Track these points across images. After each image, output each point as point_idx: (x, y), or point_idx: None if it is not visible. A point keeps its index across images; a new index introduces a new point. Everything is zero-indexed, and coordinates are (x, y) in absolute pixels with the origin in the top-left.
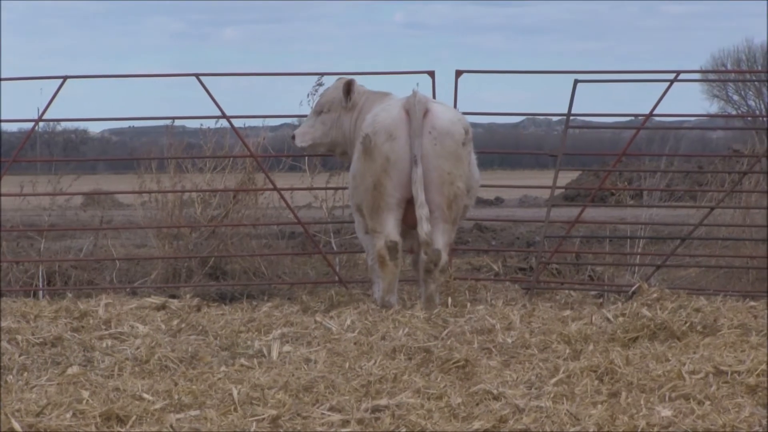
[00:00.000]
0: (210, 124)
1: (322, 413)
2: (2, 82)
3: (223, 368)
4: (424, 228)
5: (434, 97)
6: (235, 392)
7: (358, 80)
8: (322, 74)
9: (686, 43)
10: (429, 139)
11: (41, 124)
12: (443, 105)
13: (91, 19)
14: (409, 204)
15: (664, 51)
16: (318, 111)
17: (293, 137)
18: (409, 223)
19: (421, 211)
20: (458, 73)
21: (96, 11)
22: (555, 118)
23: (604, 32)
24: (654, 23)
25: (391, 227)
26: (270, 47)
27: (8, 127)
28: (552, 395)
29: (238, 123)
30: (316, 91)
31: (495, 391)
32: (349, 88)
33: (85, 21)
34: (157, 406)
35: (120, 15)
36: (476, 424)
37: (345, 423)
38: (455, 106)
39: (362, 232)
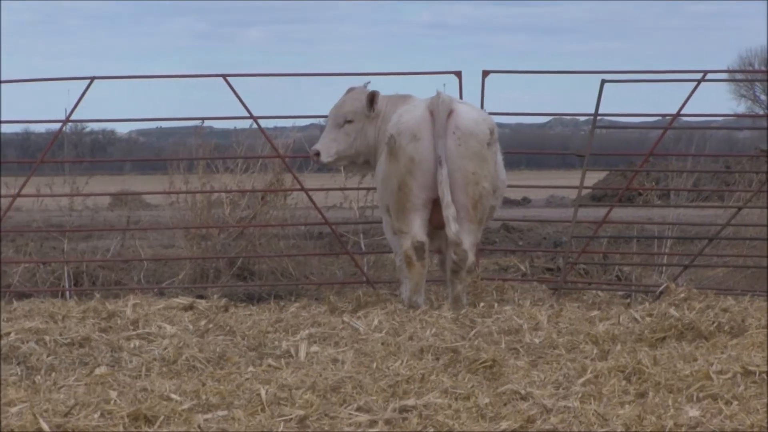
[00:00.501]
0: (240, 124)
1: (350, 413)
2: (30, 83)
3: (250, 368)
4: (452, 228)
5: (461, 97)
6: (262, 392)
7: (387, 81)
8: (348, 75)
9: (712, 42)
10: (453, 140)
11: (69, 125)
12: (468, 105)
13: (116, 20)
14: (435, 204)
15: (690, 51)
16: (339, 123)
17: (317, 154)
18: (435, 224)
19: (448, 212)
20: (485, 74)
21: (121, 12)
22: (582, 118)
23: (628, 32)
24: (679, 23)
25: (417, 228)
26: (295, 47)
27: (36, 128)
28: (579, 395)
29: (266, 123)
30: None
31: (522, 392)
32: (372, 98)
33: (109, 22)
34: (185, 406)
35: (144, 16)
36: (504, 425)
37: (372, 423)
38: (482, 106)
39: (390, 233)
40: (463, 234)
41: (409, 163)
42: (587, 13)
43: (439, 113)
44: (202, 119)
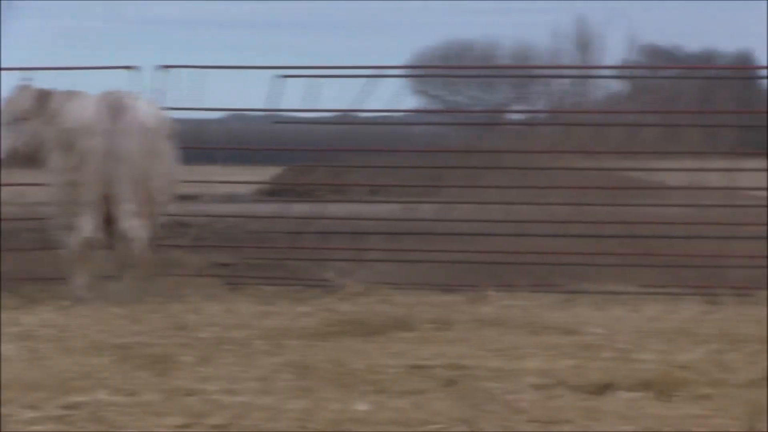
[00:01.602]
0: None
1: (17, 410)
2: None
3: None
4: (125, 224)
5: (140, 92)
6: None
7: (63, 76)
8: (22, 69)
9: (391, 39)
10: (129, 135)
11: None
12: (144, 100)
13: None
14: (108, 200)
15: (369, 46)
16: (11, 120)
17: None
18: (108, 219)
19: (122, 207)
20: (164, 68)
21: None
22: (260, 114)
23: (308, 26)
24: (359, 18)
25: (89, 223)
26: None
27: None
28: (251, 390)
29: None
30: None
31: (193, 387)
32: (42, 95)
33: None
34: None
35: None
36: (174, 420)
37: (40, 420)
38: (160, 101)
39: (61, 229)
40: (138, 229)
41: (83, 159)
42: (269, 7)
43: (114, 109)
44: None
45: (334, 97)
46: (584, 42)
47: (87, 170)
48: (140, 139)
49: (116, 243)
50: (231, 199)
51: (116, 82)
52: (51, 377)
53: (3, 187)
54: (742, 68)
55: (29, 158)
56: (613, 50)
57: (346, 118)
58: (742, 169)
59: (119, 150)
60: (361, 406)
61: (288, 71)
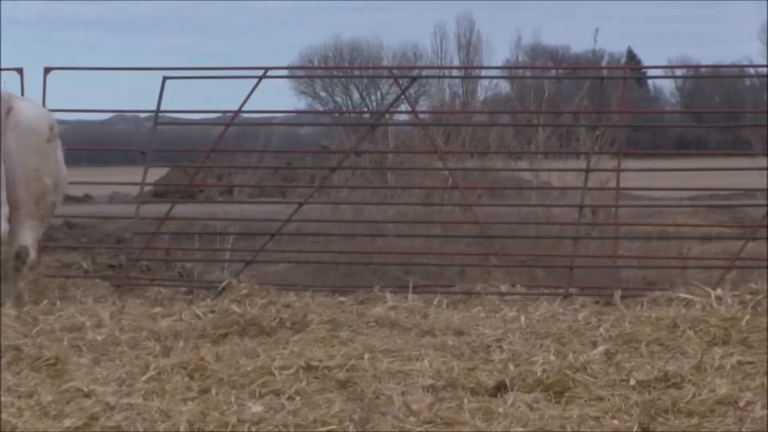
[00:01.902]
0: None
1: None
2: None
3: None
4: (2, 227)
5: (23, 94)
6: None
7: None
8: None
9: (276, 39)
10: (13, 136)
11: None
12: (27, 101)
13: None
14: None
15: (255, 47)
16: None
17: None
18: None
19: (1, 210)
20: (47, 70)
21: None
22: (144, 115)
23: (195, 28)
24: (246, 19)
25: None
26: None
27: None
28: (143, 392)
29: None
30: None
31: (86, 389)
32: None
33: None
34: None
35: None
36: (67, 422)
37: None
38: (44, 103)
39: None
40: (25, 231)
41: None
42: (154, 9)
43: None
44: None
45: (219, 97)
46: (468, 42)
47: None
48: (27, 140)
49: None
50: (118, 199)
51: (2, 83)
52: None
53: None
54: (626, 68)
55: None
56: (499, 50)
57: (231, 119)
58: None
59: (4, 151)
60: (254, 408)
61: (173, 72)
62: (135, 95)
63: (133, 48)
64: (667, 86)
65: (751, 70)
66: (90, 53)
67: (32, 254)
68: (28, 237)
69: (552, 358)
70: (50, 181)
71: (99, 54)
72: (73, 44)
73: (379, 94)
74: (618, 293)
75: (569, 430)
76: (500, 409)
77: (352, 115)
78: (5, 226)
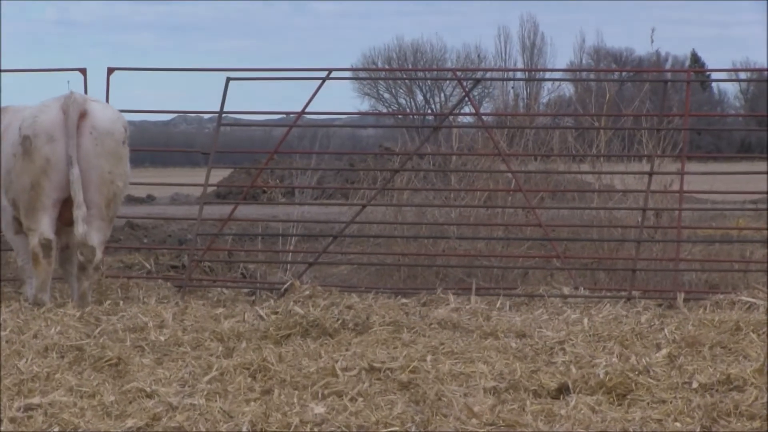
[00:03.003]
0: None
1: None
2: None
3: None
4: (80, 229)
5: (86, 94)
6: None
7: (12, 79)
8: None
9: (338, 41)
10: (90, 139)
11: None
12: (102, 104)
13: None
14: (65, 203)
15: (317, 49)
16: None
17: None
18: (65, 222)
19: (78, 212)
20: (110, 71)
21: None
22: (206, 116)
23: (256, 31)
24: (305, 22)
25: (45, 225)
26: None
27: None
28: (205, 393)
29: None
30: None
31: (148, 389)
32: None
33: None
34: None
35: None
36: (129, 422)
37: None
38: (107, 103)
39: (11, 233)
40: (93, 231)
41: (44, 164)
42: (215, 12)
43: (71, 113)
44: None
45: (282, 99)
46: (532, 44)
47: (49, 175)
48: (103, 142)
49: (72, 245)
50: (180, 201)
51: (65, 84)
52: (7, 379)
53: None
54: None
55: None
56: (562, 52)
57: (293, 121)
58: (690, 173)
59: (79, 154)
60: (317, 409)
61: (236, 73)
62: (195, 97)
63: (192, 50)
64: (731, 89)
65: None
66: (150, 55)
67: (98, 255)
68: (95, 238)
69: (614, 360)
70: (123, 183)
71: (159, 56)
72: (134, 46)
73: (442, 96)
74: (681, 296)
75: None
76: (562, 412)
77: (415, 117)
78: (84, 227)
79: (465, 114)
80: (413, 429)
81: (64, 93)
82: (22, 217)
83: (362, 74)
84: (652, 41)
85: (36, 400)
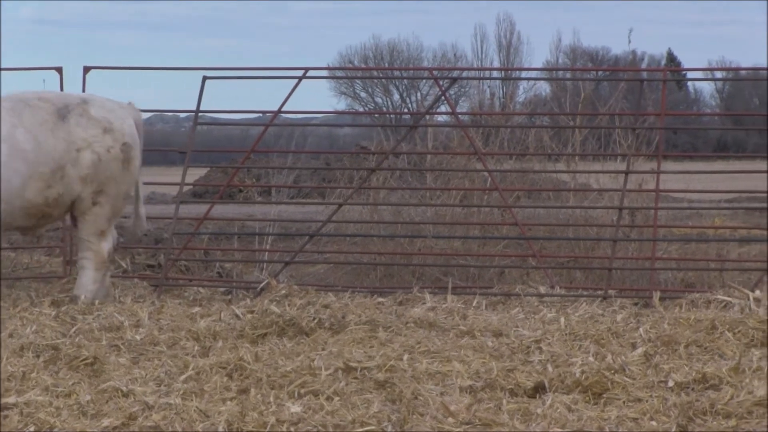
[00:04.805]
0: None
1: None
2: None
3: None
4: (144, 227)
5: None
6: None
7: None
8: None
9: (315, 40)
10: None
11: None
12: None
13: None
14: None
15: (293, 49)
16: None
17: None
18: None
19: (143, 209)
20: (86, 69)
21: None
22: (183, 115)
23: (232, 30)
24: (282, 21)
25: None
26: None
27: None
28: (181, 392)
29: None
30: None
31: (124, 389)
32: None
33: None
34: None
35: None
36: (105, 422)
37: None
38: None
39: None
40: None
41: (137, 171)
42: (191, 10)
43: (140, 121)
44: None
45: (259, 98)
46: (508, 43)
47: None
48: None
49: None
50: (157, 200)
51: (40, 83)
52: None
53: None
54: (666, 70)
55: None
56: (539, 52)
57: (270, 120)
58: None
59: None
60: (293, 408)
61: (212, 72)
62: (172, 96)
63: (170, 49)
64: (707, 89)
65: None
66: (127, 54)
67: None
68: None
69: (591, 359)
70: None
71: (135, 55)
72: (111, 44)
73: (418, 95)
74: (657, 295)
75: (607, 431)
76: (539, 411)
77: (392, 116)
78: (147, 226)
79: (441, 113)
80: (389, 428)
81: (123, 101)
82: (104, 223)
83: (339, 73)
84: (630, 41)
85: (12, 399)
